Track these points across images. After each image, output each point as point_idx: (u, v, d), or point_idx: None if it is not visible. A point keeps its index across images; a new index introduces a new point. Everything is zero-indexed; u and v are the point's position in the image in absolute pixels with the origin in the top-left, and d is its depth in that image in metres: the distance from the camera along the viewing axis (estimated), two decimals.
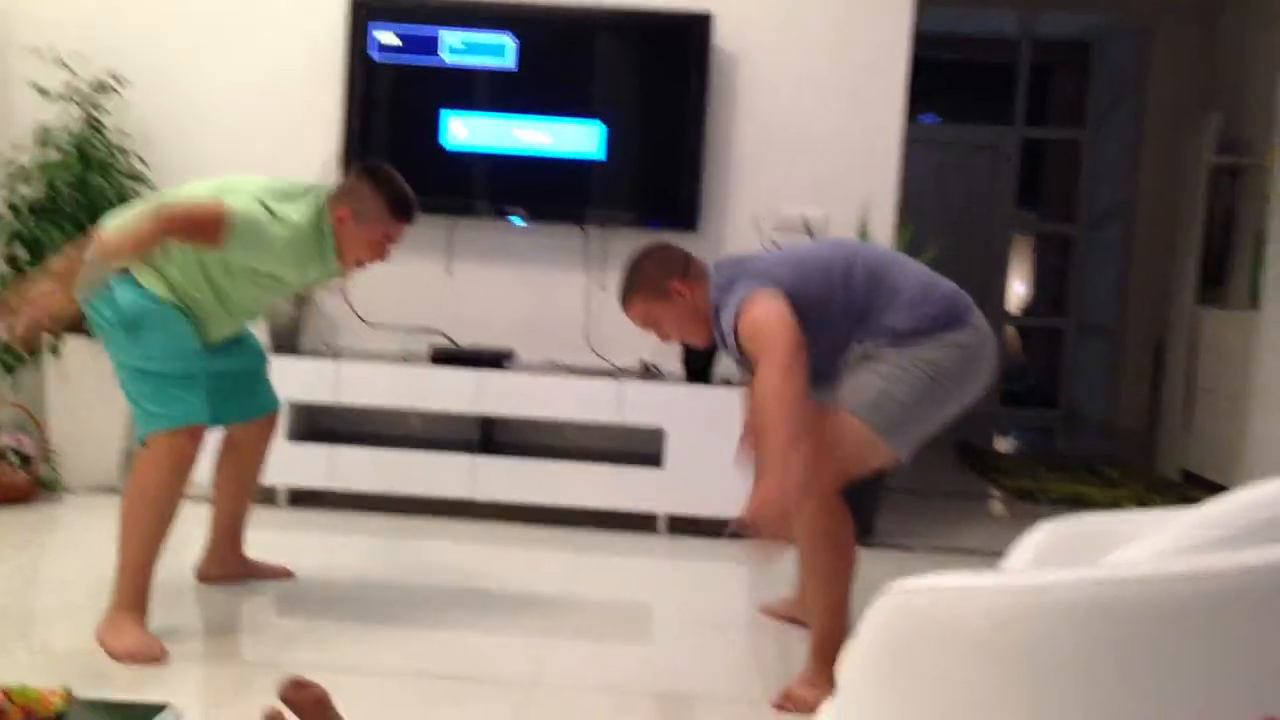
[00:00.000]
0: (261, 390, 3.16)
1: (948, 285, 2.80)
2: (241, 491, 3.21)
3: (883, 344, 2.70)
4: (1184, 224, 6.25)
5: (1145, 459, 6.48)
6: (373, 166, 2.96)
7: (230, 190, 2.75)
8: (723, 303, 2.70)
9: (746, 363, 2.70)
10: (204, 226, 2.66)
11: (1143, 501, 5.26)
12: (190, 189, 2.82)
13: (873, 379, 2.68)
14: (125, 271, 2.73)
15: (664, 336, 2.89)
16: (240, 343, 3.07)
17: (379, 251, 2.92)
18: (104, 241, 2.64)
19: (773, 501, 2.41)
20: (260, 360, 3.17)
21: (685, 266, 2.81)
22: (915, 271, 2.80)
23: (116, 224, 2.70)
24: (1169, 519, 1.85)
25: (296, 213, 2.78)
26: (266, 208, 2.72)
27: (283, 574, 3.28)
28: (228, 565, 3.22)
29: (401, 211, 2.90)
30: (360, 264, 2.92)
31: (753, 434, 2.94)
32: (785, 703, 2.61)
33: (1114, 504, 5.17)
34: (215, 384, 2.92)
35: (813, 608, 2.76)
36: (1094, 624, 1.47)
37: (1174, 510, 1.93)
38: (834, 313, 2.70)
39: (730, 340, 2.69)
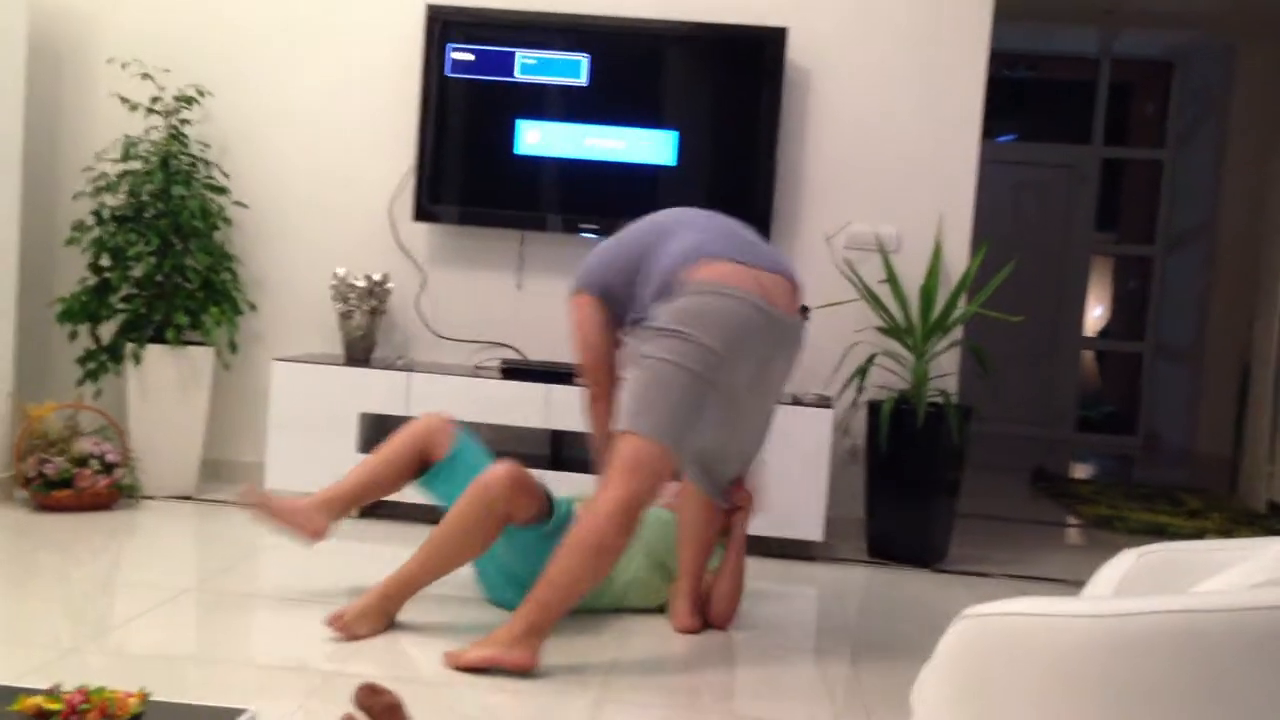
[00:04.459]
0: None
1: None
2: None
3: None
4: (1269, 245, 6.09)
5: (1229, 488, 6.31)
6: None
7: None
8: None
9: None
10: None
11: (1227, 532, 5.12)
12: None
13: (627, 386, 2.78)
14: None
15: None
16: None
17: None
18: None
19: None
20: None
21: None
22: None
23: None
24: (1259, 548, 1.80)
25: None
26: None
27: None
28: None
29: None
30: None
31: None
32: (450, 661, 2.65)
33: (1196, 534, 5.04)
34: None
35: (551, 586, 2.65)
36: (1181, 654, 1.43)
37: (1263, 540, 1.87)
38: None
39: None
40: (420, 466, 3.15)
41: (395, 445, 3.14)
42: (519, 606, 2.70)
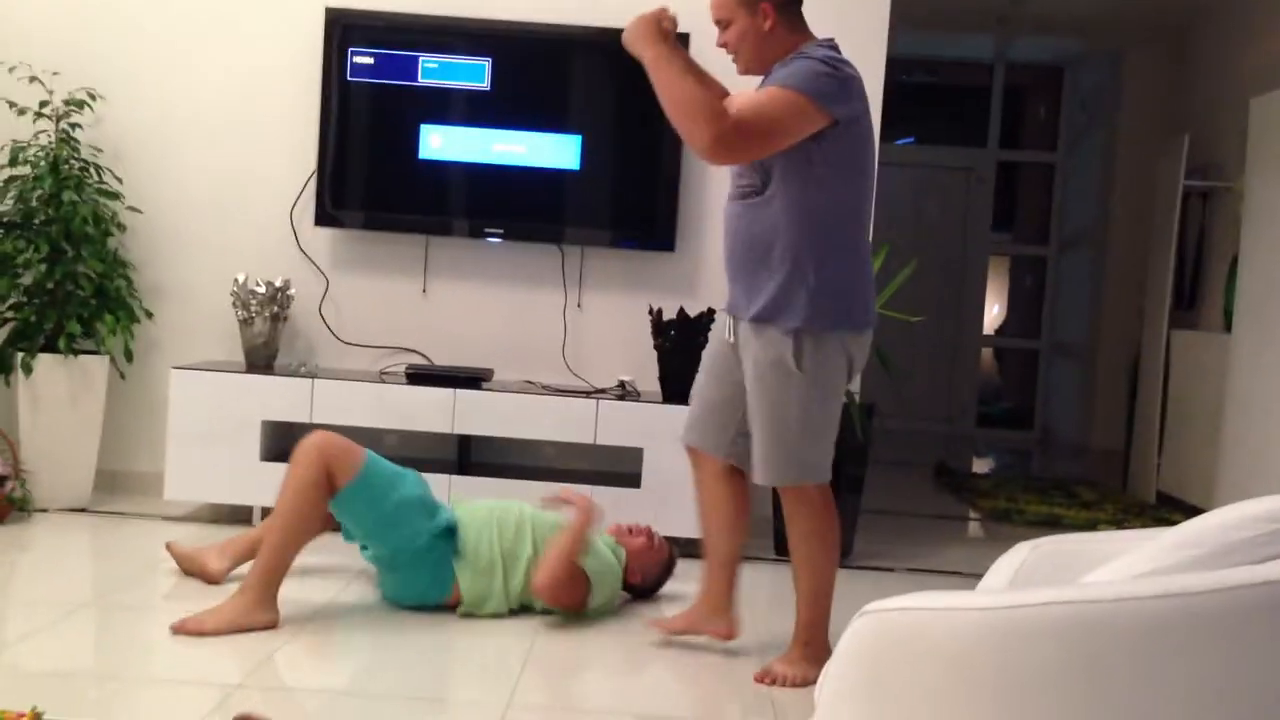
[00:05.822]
0: None
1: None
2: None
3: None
4: (1156, 246, 6.31)
5: (1120, 480, 6.52)
6: None
7: None
8: (783, 68, 2.76)
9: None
10: None
11: (1118, 523, 5.29)
12: None
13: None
14: None
15: (723, 42, 2.90)
16: None
17: None
18: None
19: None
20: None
21: (789, 4, 2.83)
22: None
23: None
24: (1145, 540, 1.86)
25: None
26: None
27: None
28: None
29: None
30: None
31: None
32: (764, 677, 2.83)
33: (1089, 525, 5.20)
34: None
35: (799, 594, 2.97)
36: (1069, 644, 1.48)
37: (1150, 531, 1.95)
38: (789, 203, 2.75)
39: None
40: (330, 489, 3.01)
41: (297, 481, 2.99)
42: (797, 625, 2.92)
